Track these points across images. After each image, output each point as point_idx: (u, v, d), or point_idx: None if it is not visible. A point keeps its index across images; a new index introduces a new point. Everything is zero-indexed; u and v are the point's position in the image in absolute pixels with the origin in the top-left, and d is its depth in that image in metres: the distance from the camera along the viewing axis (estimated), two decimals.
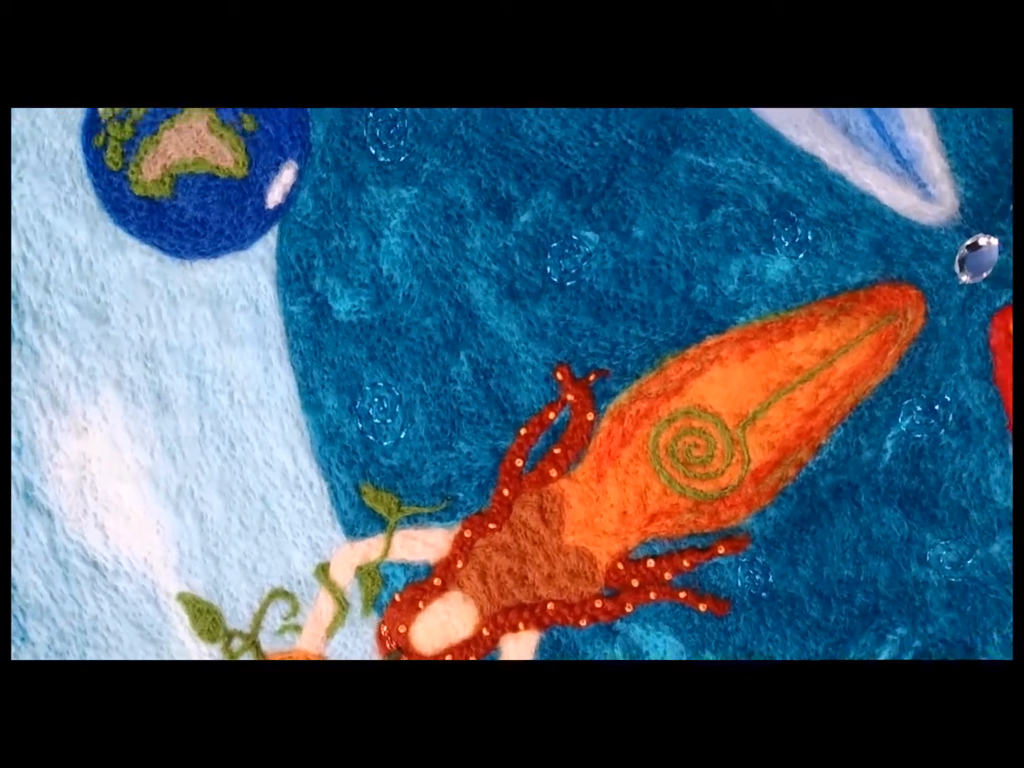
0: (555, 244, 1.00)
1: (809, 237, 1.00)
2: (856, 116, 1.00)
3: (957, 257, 1.00)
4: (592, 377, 1.01)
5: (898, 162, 1.00)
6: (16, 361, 1.00)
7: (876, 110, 1.00)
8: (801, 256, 1.00)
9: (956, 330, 1.01)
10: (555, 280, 1.01)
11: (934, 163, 1.00)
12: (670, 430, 1.00)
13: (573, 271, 1.01)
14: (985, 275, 1.00)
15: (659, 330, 1.01)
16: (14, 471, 1.00)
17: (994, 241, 0.99)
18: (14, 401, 1.00)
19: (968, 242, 1.00)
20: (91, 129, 1.01)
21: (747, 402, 1.00)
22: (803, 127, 0.99)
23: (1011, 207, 1.00)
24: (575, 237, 1.00)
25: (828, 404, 1.00)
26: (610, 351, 1.01)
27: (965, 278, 1.00)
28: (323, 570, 1.02)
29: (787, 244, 1.00)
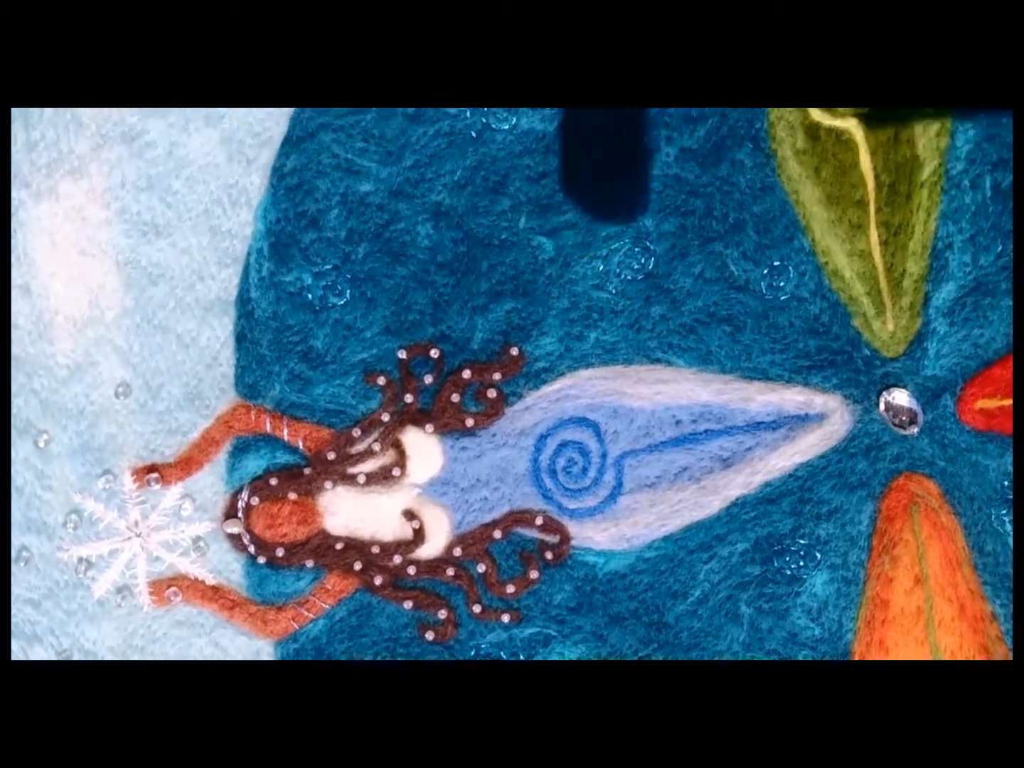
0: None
1: (805, 543, 1.01)
2: (714, 443, 1.01)
3: (897, 429, 1.00)
4: None
5: (775, 428, 1.01)
6: None
7: (707, 414, 1.01)
8: (819, 557, 1.01)
9: (955, 454, 1.01)
10: None
11: (791, 396, 1.01)
12: None
13: None
14: (920, 414, 1.00)
15: None
16: None
17: (893, 394, 1.00)
18: None
19: (882, 414, 1.00)
20: None
21: (920, 646, 1.01)
22: (706, 503, 1.01)
23: (869, 351, 1.00)
24: None
25: (955, 579, 1.00)
26: None
27: (914, 429, 1.00)
28: None
29: (800, 565, 1.01)
